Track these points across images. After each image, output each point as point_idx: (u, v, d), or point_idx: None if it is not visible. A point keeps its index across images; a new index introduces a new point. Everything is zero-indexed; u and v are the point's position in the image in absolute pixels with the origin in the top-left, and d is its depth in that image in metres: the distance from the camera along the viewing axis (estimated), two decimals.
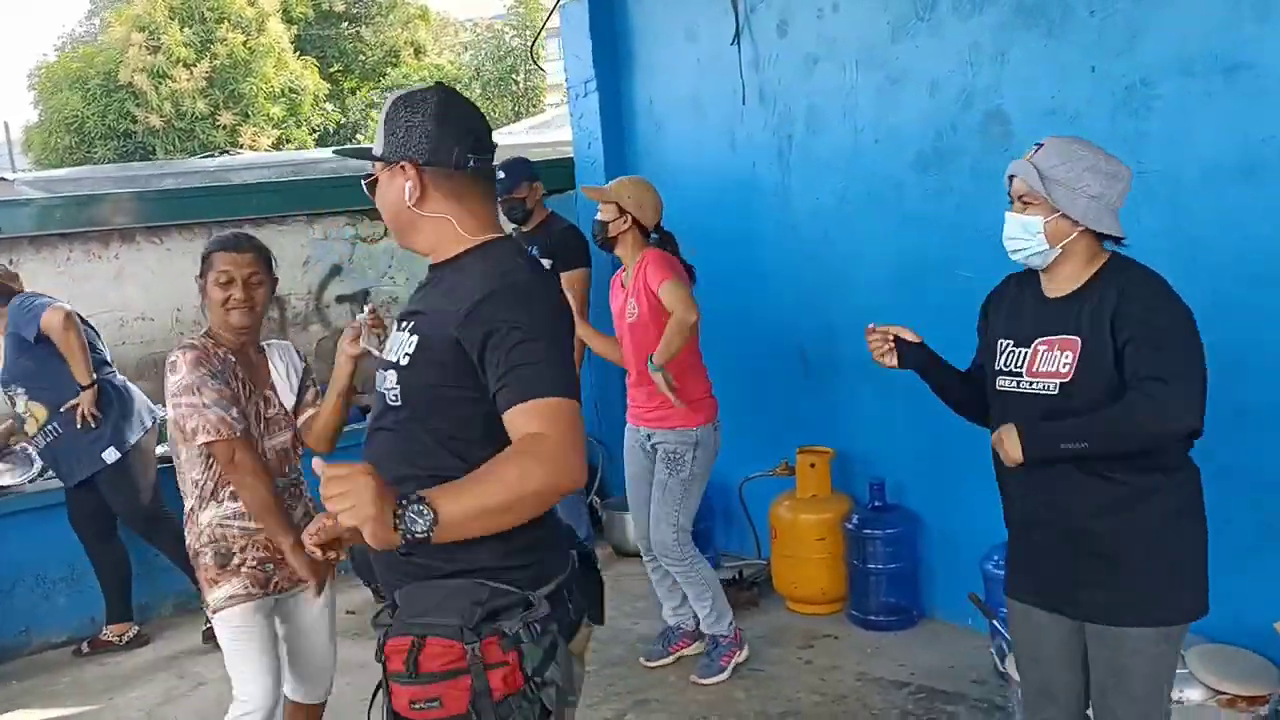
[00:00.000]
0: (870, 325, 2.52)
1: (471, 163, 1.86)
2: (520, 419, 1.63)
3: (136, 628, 4.72)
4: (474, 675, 1.66)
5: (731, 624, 4.00)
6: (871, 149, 4.25)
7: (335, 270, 6.13)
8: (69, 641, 4.72)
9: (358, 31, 21.79)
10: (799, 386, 4.73)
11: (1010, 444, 2.23)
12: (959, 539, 4.08)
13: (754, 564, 4.93)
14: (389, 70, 21.36)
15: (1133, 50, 3.37)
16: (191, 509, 2.76)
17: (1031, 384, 2.26)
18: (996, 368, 2.35)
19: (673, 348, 3.64)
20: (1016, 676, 2.71)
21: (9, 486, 4.79)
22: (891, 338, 2.48)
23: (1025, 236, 2.25)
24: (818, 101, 4.44)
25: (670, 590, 4.10)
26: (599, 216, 3.87)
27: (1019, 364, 2.30)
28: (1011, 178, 2.29)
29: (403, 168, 1.85)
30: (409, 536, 1.46)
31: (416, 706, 1.69)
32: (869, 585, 4.28)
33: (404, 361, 1.81)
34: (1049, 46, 3.60)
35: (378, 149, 1.90)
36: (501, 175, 4.85)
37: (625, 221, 3.82)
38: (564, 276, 4.80)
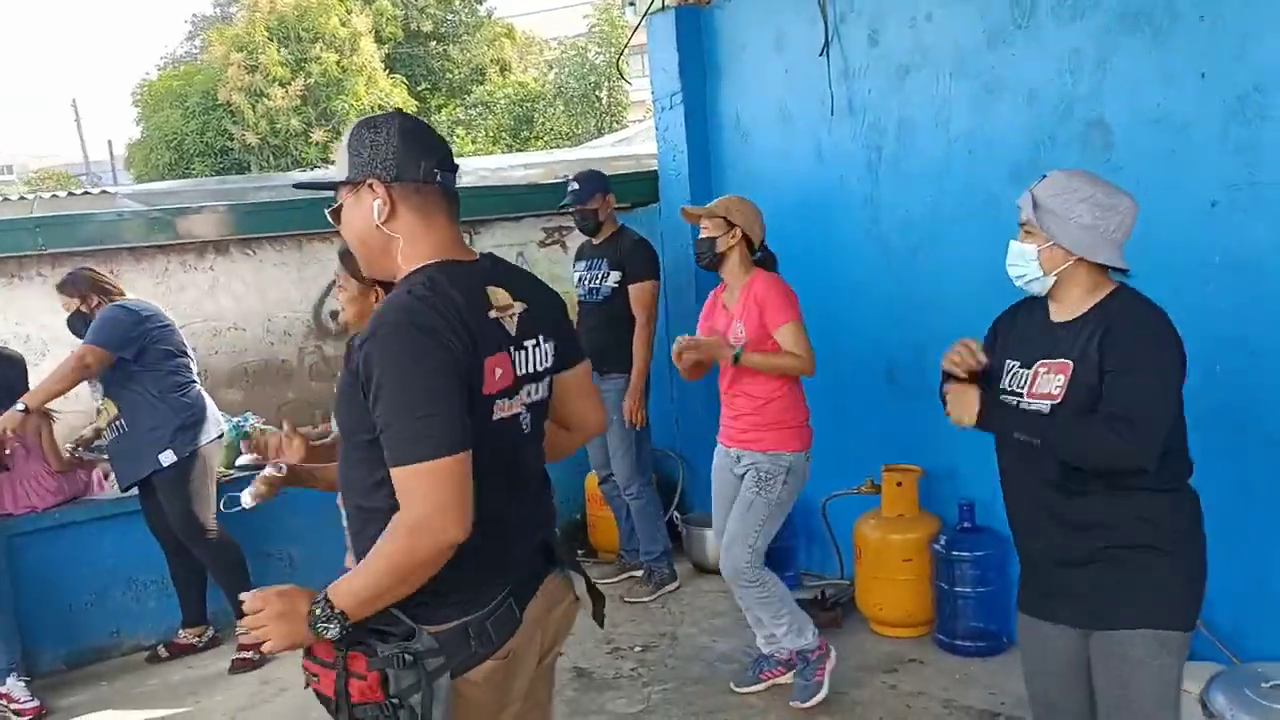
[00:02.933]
0: (962, 340, 2.48)
1: (438, 176, 1.89)
2: (396, 484, 1.73)
3: (212, 630, 4.80)
4: (337, 674, 1.80)
5: (816, 633, 3.88)
6: (965, 160, 4.14)
7: None
8: (157, 644, 4.81)
9: (445, 50, 22.23)
10: (886, 403, 4.62)
11: (965, 404, 2.36)
12: None
13: (837, 584, 4.82)
14: (474, 87, 21.73)
15: (1245, 56, 3.22)
16: None
17: (1029, 404, 2.33)
18: (1002, 387, 2.42)
19: (767, 368, 3.70)
20: None
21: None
22: (975, 358, 2.46)
23: (1022, 263, 2.36)
24: (909, 112, 4.35)
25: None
26: (706, 234, 3.78)
27: (1021, 385, 2.37)
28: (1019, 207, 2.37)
29: (370, 186, 1.86)
30: (331, 635, 1.73)
31: (307, 674, 1.87)
32: (957, 609, 4.14)
33: (338, 392, 1.91)
34: (1154, 53, 3.47)
35: (341, 173, 1.91)
36: (575, 186, 4.86)
37: (734, 237, 3.76)
38: (632, 289, 4.80)
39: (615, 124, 19.43)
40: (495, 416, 1.85)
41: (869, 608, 4.44)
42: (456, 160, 1.99)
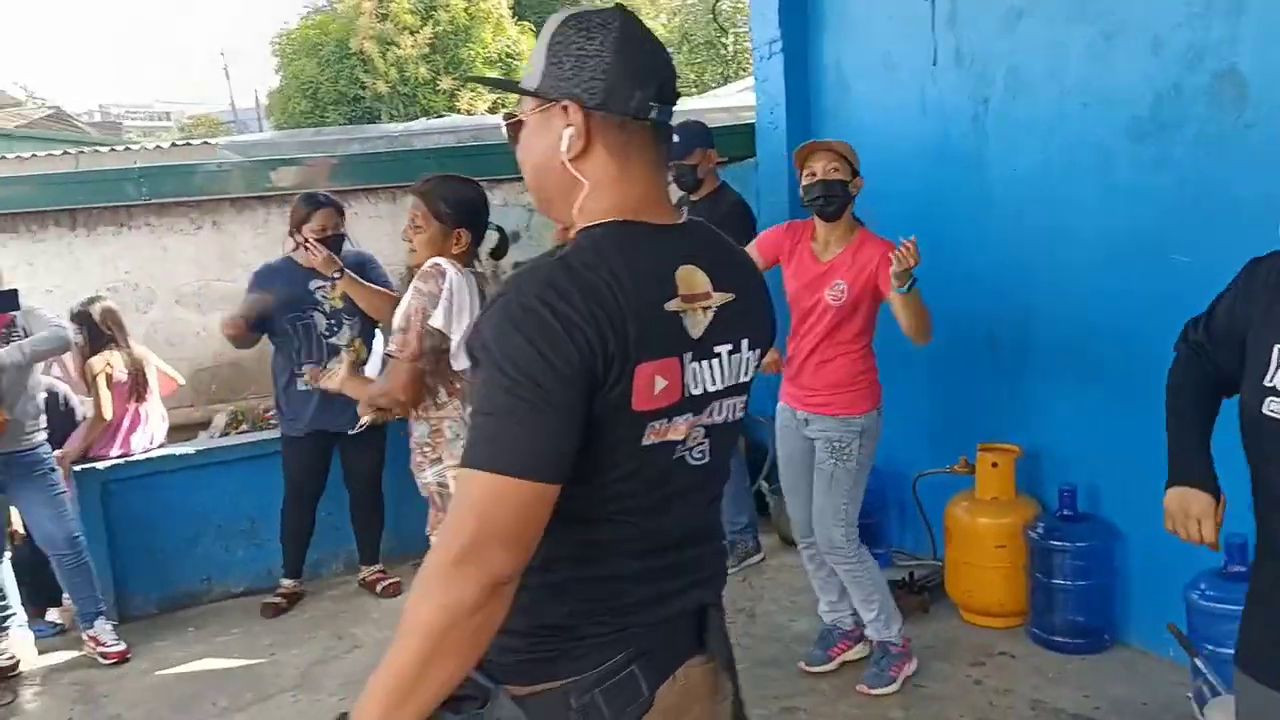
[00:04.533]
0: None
1: (654, 112, 1.40)
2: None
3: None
4: None
5: (901, 630, 3.68)
6: (1079, 114, 3.76)
7: (513, 237, 6.09)
8: (245, 592, 4.91)
9: None
10: (985, 375, 4.30)
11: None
12: (1162, 559, 3.59)
13: (927, 565, 4.56)
14: None
15: None
16: None
17: None
18: (1266, 383, 1.67)
19: (916, 316, 3.39)
20: None
21: None
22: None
23: None
24: (1020, 60, 3.98)
25: (826, 581, 3.82)
26: (834, 175, 3.42)
27: None
28: None
29: (565, 108, 1.39)
30: None
31: None
32: (1054, 601, 3.84)
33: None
34: None
35: (532, 81, 1.43)
36: (676, 139, 4.62)
37: (858, 183, 3.48)
38: None
39: (741, 71, 18.97)
40: (646, 441, 1.36)
41: (958, 594, 4.17)
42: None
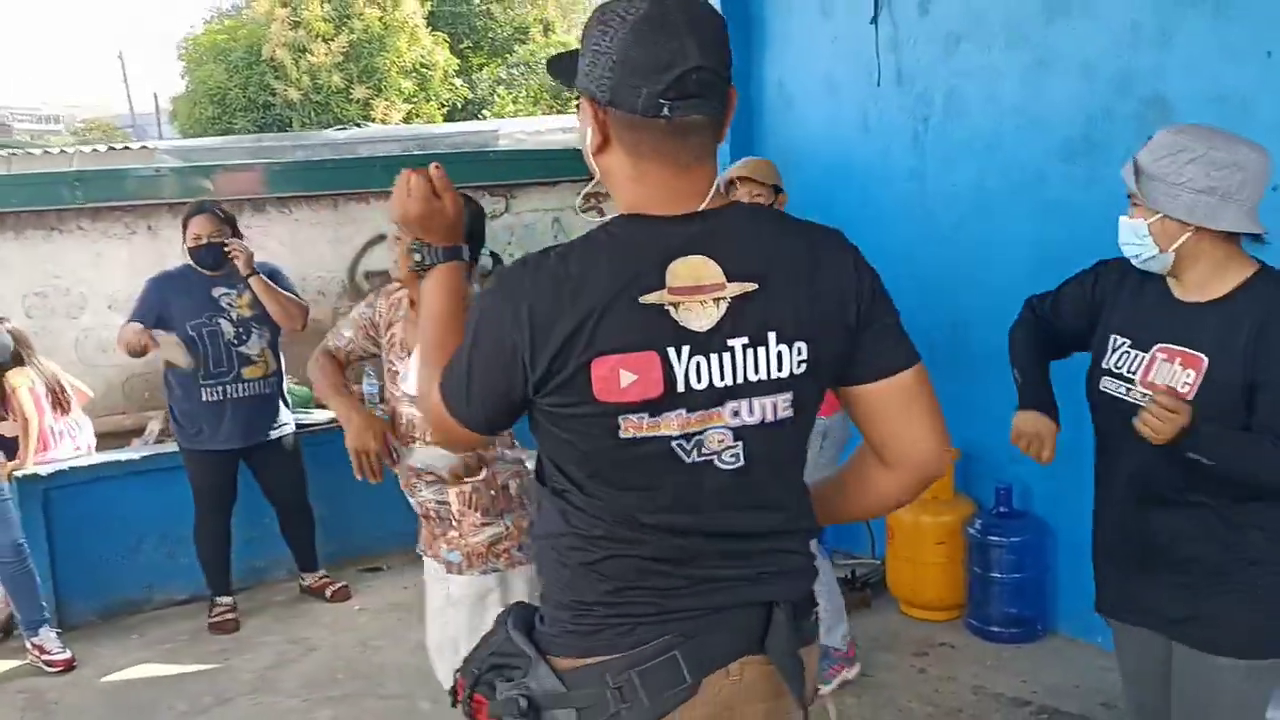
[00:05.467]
0: None
1: (665, 110, 1.36)
2: None
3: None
4: None
5: (846, 636, 3.79)
6: (1014, 134, 4.02)
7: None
8: (189, 600, 4.83)
9: (489, 9, 22.04)
10: None
11: (1168, 425, 1.90)
12: (1089, 551, 3.84)
13: (867, 563, 4.76)
14: (517, 47, 21.55)
15: None
16: None
17: (1143, 396, 2.01)
18: (1104, 366, 2.12)
19: None
20: None
21: None
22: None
23: (1135, 240, 2.04)
24: (958, 83, 4.22)
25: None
26: (759, 200, 3.56)
27: (1132, 368, 2.07)
28: None
29: (582, 104, 1.46)
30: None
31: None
32: (990, 594, 4.07)
33: None
34: (1218, 27, 3.33)
35: (579, 72, 1.46)
36: None
37: (783, 200, 3.63)
38: None
39: None
40: (625, 434, 1.39)
41: (900, 589, 4.38)
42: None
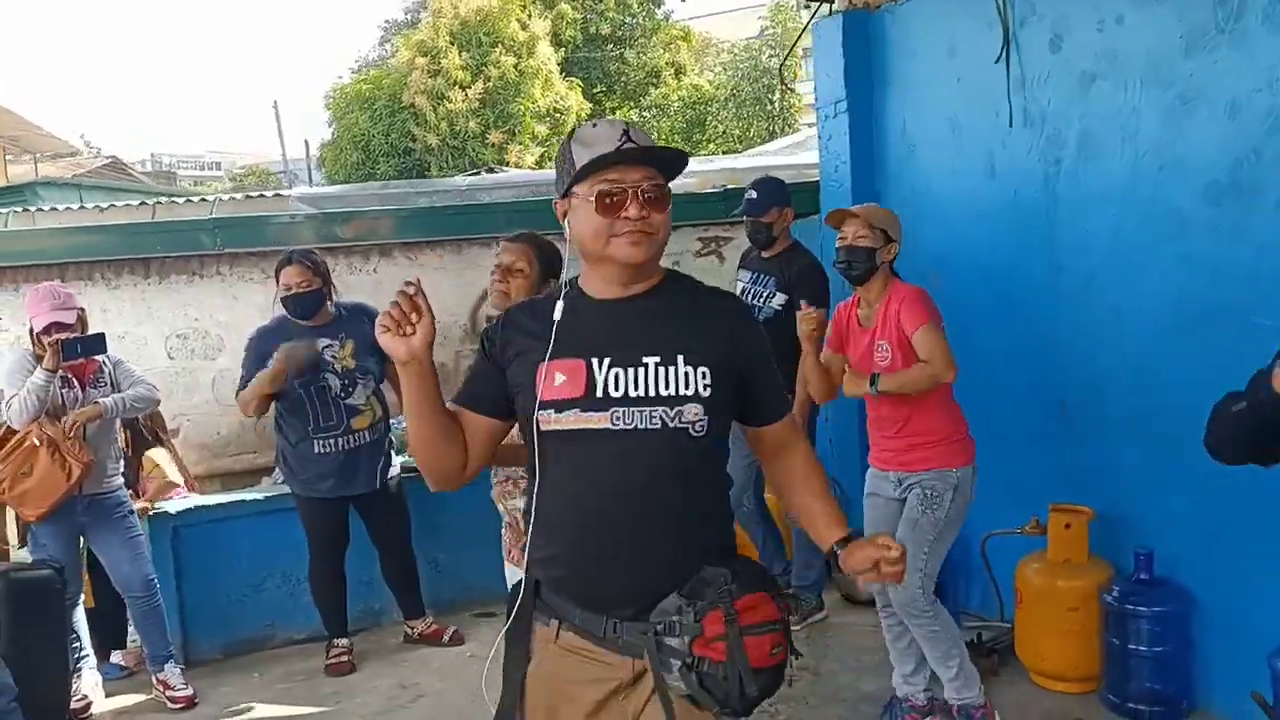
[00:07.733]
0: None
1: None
2: None
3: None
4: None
5: (982, 691, 3.63)
6: (1154, 177, 3.78)
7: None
8: (308, 639, 4.91)
9: (621, 54, 22.38)
10: (1055, 438, 4.28)
11: None
12: (1243, 625, 3.55)
13: (996, 627, 4.51)
14: (650, 90, 21.78)
15: None
16: None
17: None
18: None
19: (906, 388, 3.41)
20: None
21: None
22: None
23: None
24: (1093, 124, 4.00)
25: (904, 652, 3.76)
26: (861, 243, 3.51)
27: None
28: None
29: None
30: None
31: (775, 650, 1.84)
32: (1129, 667, 3.79)
33: None
34: None
35: None
36: (753, 195, 4.63)
37: (891, 251, 3.54)
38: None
39: (787, 128, 19.13)
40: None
41: (1029, 656, 4.12)
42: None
